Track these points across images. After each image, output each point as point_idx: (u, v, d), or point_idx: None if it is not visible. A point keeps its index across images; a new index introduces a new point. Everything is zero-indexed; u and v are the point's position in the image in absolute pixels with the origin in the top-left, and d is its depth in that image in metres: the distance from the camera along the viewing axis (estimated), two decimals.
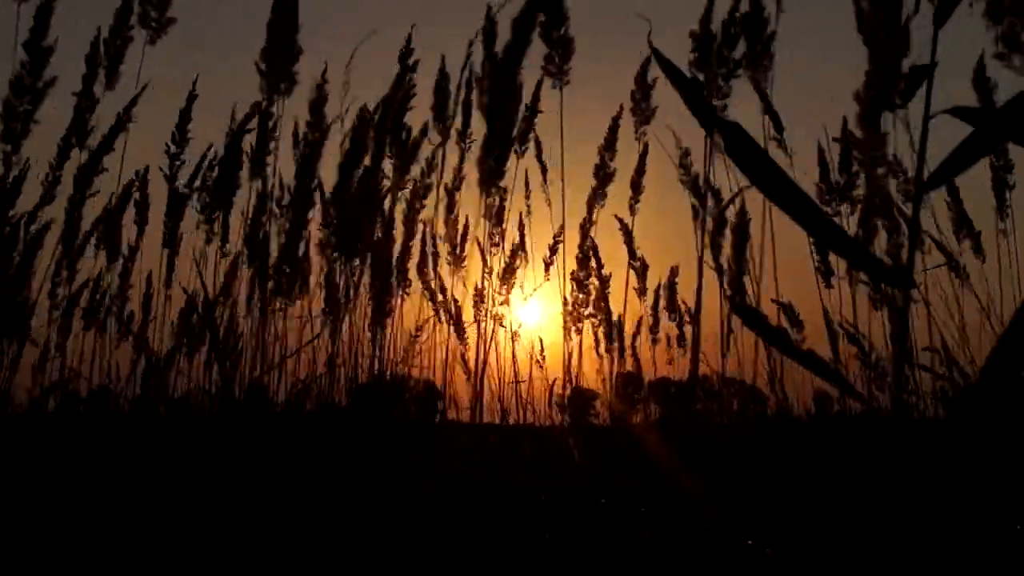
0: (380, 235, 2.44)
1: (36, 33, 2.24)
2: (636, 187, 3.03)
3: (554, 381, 2.94)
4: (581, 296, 3.17)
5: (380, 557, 1.48)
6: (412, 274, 2.92)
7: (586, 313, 3.20)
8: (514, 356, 2.88)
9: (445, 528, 1.63)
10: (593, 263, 3.21)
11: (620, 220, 3.25)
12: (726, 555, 1.48)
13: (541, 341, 3.23)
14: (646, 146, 2.99)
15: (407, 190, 2.62)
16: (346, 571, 1.46)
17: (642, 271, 3.52)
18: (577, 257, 3.17)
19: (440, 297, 3.03)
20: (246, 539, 1.47)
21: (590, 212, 3.04)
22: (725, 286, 2.64)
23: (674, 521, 1.67)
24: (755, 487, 1.80)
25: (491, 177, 2.14)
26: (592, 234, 3.20)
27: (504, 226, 2.86)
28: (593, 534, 1.63)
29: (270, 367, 2.17)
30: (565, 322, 3.17)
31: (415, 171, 2.66)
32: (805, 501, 1.67)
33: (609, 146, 2.95)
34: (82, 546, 1.44)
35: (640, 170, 3.03)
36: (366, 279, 2.43)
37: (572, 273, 3.12)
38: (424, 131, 2.60)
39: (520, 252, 3.21)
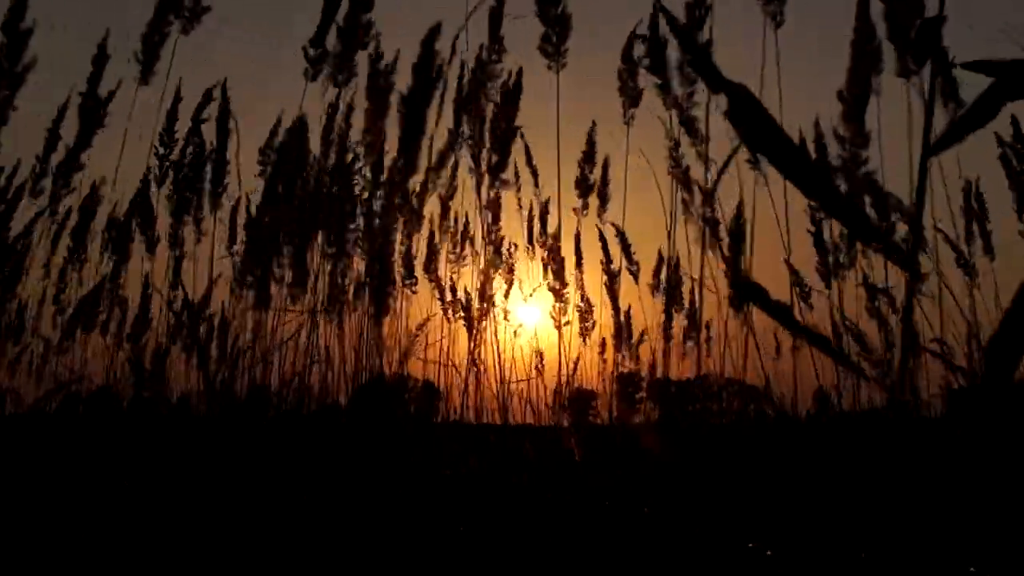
0: (377, 236, 2.44)
1: (14, 13, 2.09)
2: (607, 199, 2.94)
3: (555, 382, 2.93)
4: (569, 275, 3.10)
5: (380, 558, 1.48)
6: (419, 271, 2.90)
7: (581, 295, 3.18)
8: (514, 356, 2.87)
9: (445, 529, 1.62)
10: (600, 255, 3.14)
11: (617, 228, 3.18)
12: (728, 557, 1.48)
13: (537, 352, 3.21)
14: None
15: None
16: (347, 571, 1.46)
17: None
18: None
19: (449, 296, 3.00)
20: (244, 538, 1.47)
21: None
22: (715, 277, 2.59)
23: (676, 522, 1.66)
24: (756, 487, 1.80)
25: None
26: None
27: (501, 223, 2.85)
28: (595, 535, 1.63)
29: (261, 360, 2.15)
30: (551, 319, 3.15)
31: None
32: (806, 501, 1.66)
33: (588, 158, 2.81)
34: (79, 547, 1.45)
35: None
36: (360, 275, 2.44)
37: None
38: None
39: (528, 247, 3.21)
